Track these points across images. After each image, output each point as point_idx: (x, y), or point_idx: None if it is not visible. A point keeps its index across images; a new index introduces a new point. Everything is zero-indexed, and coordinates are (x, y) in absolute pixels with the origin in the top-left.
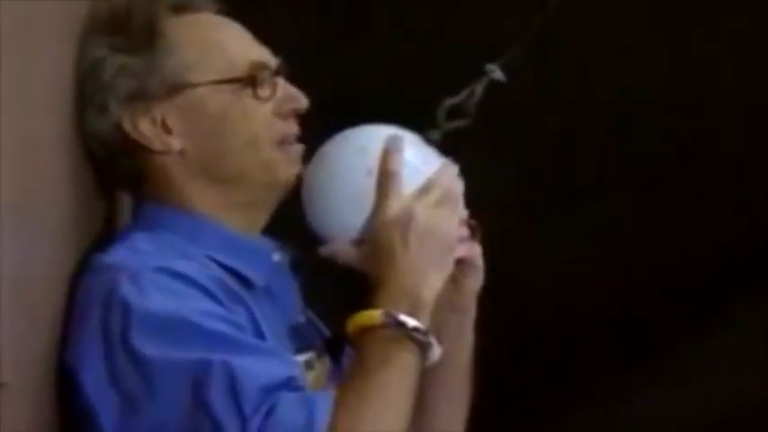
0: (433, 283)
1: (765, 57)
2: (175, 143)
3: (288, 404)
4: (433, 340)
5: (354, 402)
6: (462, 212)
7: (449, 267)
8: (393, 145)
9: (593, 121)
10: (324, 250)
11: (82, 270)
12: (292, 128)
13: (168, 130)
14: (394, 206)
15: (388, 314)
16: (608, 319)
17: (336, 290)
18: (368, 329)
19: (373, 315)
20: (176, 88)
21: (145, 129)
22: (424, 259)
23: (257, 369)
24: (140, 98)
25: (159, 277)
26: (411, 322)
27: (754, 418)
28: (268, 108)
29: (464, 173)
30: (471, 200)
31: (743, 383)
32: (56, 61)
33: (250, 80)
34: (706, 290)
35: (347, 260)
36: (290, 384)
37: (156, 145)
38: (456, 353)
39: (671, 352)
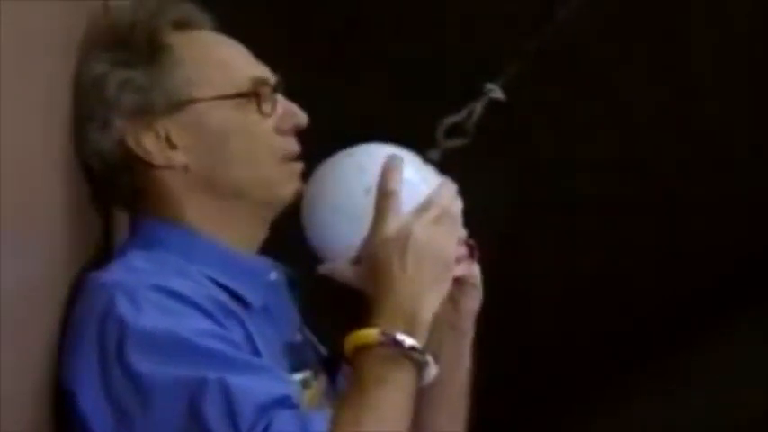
0: (430, 302)
1: (766, 67)
2: (179, 158)
3: (284, 422)
4: (429, 359)
5: (351, 421)
6: (461, 231)
7: (446, 286)
8: (392, 164)
9: (593, 135)
10: (322, 268)
11: (78, 288)
12: (293, 145)
13: (173, 146)
14: (392, 225)
15: (385, 333)
16: (607, 332)
17: (334, 308)
18: (365, 348)
19: (370, 334)
20: (180, 104)
21: (149, 144)
22: (422, 278)
23: (253, 387)
24: (144, 113)
25: (155, 295)
26: (408, 341)
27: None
28: (269, 124)
29: (463, 191)
30: (470, 218)
31: (744, 396)
32: (52, 78)
33: (254, 95)
34: (707, 301)
35: (345, 278)
36: (285, 402)
37: (160, 160)
38: (454, 372)
39: (670, 365)
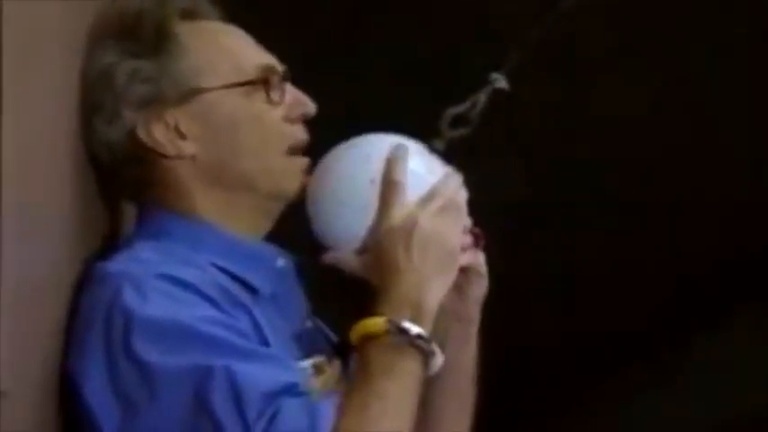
0: (436, 291)
1: (765, 69)
2: (189, 148)
3: (291, 410)
4: (435, 348)
5: (357, 409)
6: (466, 220)
7: (452, 275)
8: (397, 153)
9: (596, 129)
10: (328, 258)
11: (85, 278)
12: (302, 134)
13: (182, 136)
14: (397, 215)
15: (391, 322)
16: (607, 331)
17: (340, 297)
18: (371, 337)
19: (376, 323)
20: (189, 93)
21: (158, 134)
22: (427, 267)
23: (259, 375)
24: (153, 103)
25: (161, 284)
26: (414, 329)
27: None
28: (278, 113)
29: (468, 180)
30: (476, 207)
31: (744, 395)
32: (58, 70)
33: (263, 83)
34: (707, 301)
35: (350, 268)
36: (292, 390)
37: (170, 150)
38: (460, 360)
39: (670, 364)
